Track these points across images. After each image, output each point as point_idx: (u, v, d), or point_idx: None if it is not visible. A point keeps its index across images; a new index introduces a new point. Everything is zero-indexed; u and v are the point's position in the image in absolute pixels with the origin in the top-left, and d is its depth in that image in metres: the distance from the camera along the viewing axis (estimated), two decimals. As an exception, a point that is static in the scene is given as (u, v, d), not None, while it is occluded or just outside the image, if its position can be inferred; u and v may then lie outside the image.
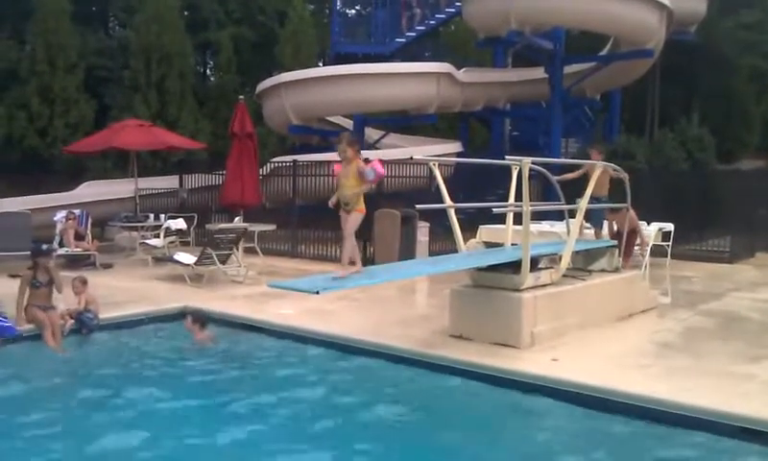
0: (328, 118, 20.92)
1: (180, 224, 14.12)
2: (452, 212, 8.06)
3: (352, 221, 6.78)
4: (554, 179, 9.08)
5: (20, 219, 12.94)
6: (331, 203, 7.01)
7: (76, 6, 20.84)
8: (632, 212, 9.72)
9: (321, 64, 24.63)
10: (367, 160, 6.80)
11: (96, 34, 24.06)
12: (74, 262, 12.51)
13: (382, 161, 6.83)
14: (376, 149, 19.45)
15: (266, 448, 5.30)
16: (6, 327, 7.53)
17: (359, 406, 6.12)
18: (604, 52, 20.67)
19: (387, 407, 6.17)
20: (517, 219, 8.02)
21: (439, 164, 8.28)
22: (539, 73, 20.02)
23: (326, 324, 8.27)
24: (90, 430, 5.57)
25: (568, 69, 19.71)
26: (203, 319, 8.07)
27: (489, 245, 9.10)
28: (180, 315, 8.66)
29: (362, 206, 6.79)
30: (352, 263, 6.87)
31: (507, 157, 8.10)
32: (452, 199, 8.18)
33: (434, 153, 16.33)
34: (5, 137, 19.27)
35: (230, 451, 5.28)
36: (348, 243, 6.81)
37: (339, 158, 6.84)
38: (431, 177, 14.60)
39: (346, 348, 7.59)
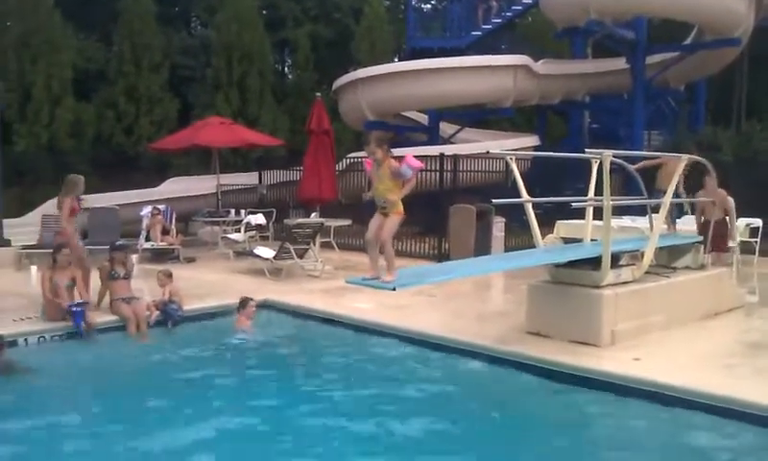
0: (404, 113, 20.96)
1: (259, 219, 14.45)
2: (529, 207, 7.95)
3: (390, 225, 6.34)
4: (635, 171, 8.84)
5: (109, 214, 13.55)
6: (367, 196, 6.63)
7: (160, 7, 21.59)
8: (723, 194, 9.36)
9: (396, 60, 24.64)
10: (398, 159, 6.34)
11: (179, 33, 24.85)
12: (159, 256, 13.00)
13: (414, 156, 6.37)
14: (451, 143, 19.37)
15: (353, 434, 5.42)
16: (76, 313, 7.86)
17: (435, 401, 6.14)
18: (688, 41, 19.91)
19: (462, 403, 6.17)
20: (597, 214, 7.85)
21: (516, 158, 8.18)
22: (620, 64, 19.46)
23: (403, 319, 8.32)
24: (183, 415, 5.84)
25: (651, 59, 19.07)
26: (243, 304, 8.45)
27: (567, 241, 8.97)
28: (261, 306, 8.93)
29: (400, 208, 6.38)
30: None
31: (587, 150, 7.94)
32: (529, 194, 8.07)
33: (510, 147, 16.12)
34: (95, 136, 20.16)
35: (318, 441, 5.38)
36: (388, 248, 6.39)
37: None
38: (507, 171, 14.53)
39: (422, 343, 7.63)
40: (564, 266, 7.53)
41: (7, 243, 12.61)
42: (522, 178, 8.01)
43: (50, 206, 14.97)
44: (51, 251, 8.57)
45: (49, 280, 8.07)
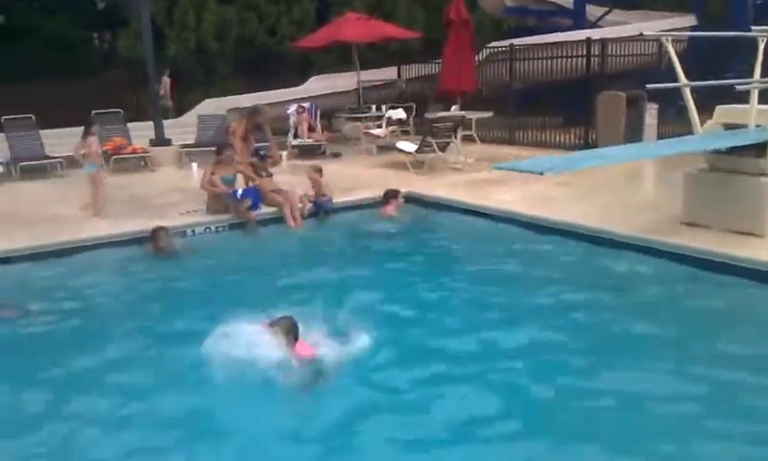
0: (546, -4, 19.97)
1: (400, 114, 14.53)
2: (687, 91, 7.46)
3: None
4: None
5: (259, 113, 14.08)
6: None
7: None
8: None
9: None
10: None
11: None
12: (306, 152, 13.47)
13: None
14: (599, 27, 18.29)
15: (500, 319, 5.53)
16: (249, 192, 8.54)
17: (589, 295, 6.07)
18: None
19: (612, 296, 6.07)
20: (763, 98, 7.25)
21: (672, 40, 7.63)
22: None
23: (548, 210, 8.19)
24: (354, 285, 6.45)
25: None
26: (387, 195, 8.84)
27: (728, 127, 8.35)
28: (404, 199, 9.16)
29: None
30: None
31: (753, 27, 7.27)
32: (686, 77, 7.55)
33: (664, 28, 15.04)
34: (238, 38, 20.79)
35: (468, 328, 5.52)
36: None
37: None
38: (660, 54, 13.62)
39: (568, 233, 7.51)
40: (725, 153, 7.09)
41: (168, 142, 13.49)
42: (678, 60, 7.50)
43: (204, 107, 15.85)
44: (209, 149, 9.13)
45: (211, 175, 8.66)
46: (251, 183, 9.01)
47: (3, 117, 12.47)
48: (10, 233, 7.89)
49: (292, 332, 4.60)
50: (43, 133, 12.63)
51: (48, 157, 12.19)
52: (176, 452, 3.89)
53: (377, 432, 4.02)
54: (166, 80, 18.29)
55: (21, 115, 12.51)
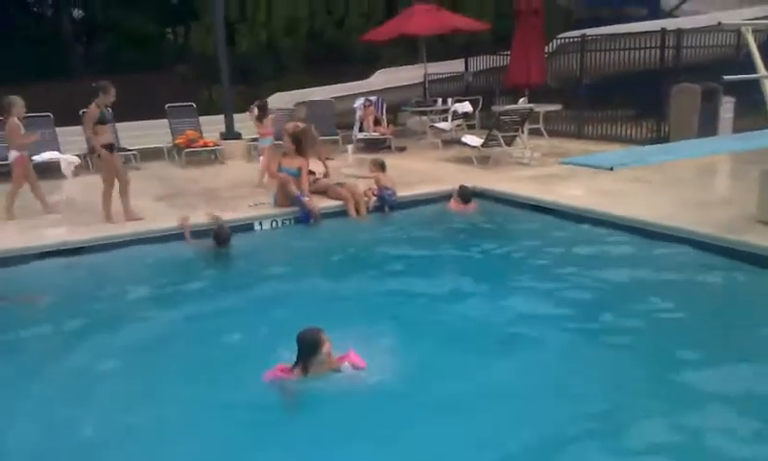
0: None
1: (466, 107, 14.45)
2: (766, 83, 7.17)
3: None
4: None
5: (327, 107, 14.28)
6: None
7: None
8: None
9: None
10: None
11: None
12: (372, 145, 13.56)
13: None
14: (674, 17, 17.72)
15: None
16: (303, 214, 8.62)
17: (658, 292, 5.93)
18: None
19: (681, 294, 5.92)
20: None
21: (752, 29, 7.35)
22: None
23: (617, 206, 8.01)
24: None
25: None
26: (467, 194, 8.89)
27: (810, 121, 7.98)
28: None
29: None
30: None
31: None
32: (766, 68, 7.25)
33: (744, 17, 14.45)
34: (308, 33, 21.03)
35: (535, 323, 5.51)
36: None
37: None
38: (738, 45, 13.11)
39: (639, 231, 7.34)
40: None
41: (238, 136, 13.79)
42: (759, 51, 7.21)
43: (273, 101, 16.10)
44: (278, 142, 9.31)
45: (278, 165, 8.89)
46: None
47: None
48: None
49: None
50: (119, 125, 13.05)
51: (124, 150, 12.60)
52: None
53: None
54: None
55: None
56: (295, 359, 4.38)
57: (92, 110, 8.07)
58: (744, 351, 4.82)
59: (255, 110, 11.19)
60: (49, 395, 4.52)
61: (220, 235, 7.57)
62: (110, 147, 8.33)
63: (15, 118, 8.67)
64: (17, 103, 8.69)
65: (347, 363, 4.47)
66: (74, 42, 24.85)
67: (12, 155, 8.79)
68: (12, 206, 8.85)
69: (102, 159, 8.30)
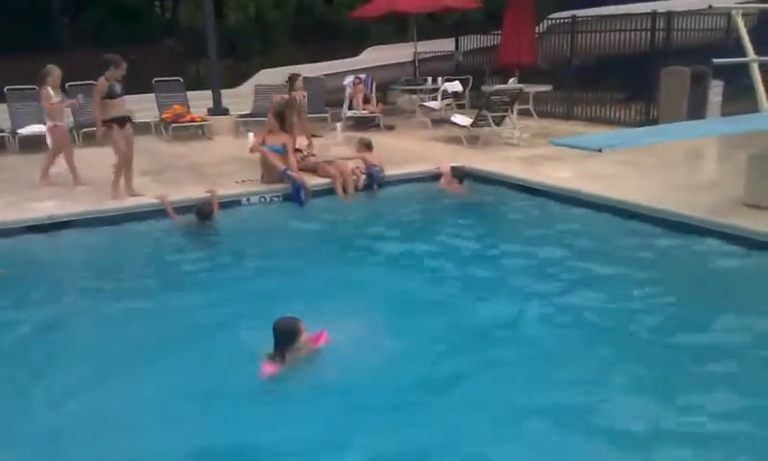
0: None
1: (455, 86, 14.38)
2: (755, 67, 7.19)
3: None
4: None
5: (316, 84, 14.16)
6: None
7: None
8: None
9: None
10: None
11: None
12: (361, 123, 13.48)
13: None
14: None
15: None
16: (297, 188, 8.51)
17: (645, 275, 5.94)
18: None
19: (667, 276, 5.94)
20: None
21: (742, 13, 7.35)
22: None
23: (605, 187, 8.02)
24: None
25: None
26: (460, 174, 8.88)
27: (798, 105, 8.01)
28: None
29: None
30: None
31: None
32: (756, 53, 7.27)
33: (736, 1, 14.42)
34: (297, 7, 20.81)
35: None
36: None
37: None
38: (729, 29, 13.10)
39: (625, 212, 7.36)
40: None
41: (225, 112, 13.66)
42: (749, 35, 7.22)
43: (262, 77, 15.95)
44: (265, 119, 9.24)
45: (262, 142, 8.90)
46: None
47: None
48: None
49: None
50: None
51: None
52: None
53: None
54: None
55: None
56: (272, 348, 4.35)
57: (101, 84, 7.94)
58: (728, 332, 4.84)
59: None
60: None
61: (202, 210, 7.57)
62: (122, 120, 8.19)
63: (49, 87, 8.82)
64: (53, 72, 8.90)
65: (321, 343, 4.48)
66: (61, 16, 24.52)
67: (47, 124, 9.15)
68: (47, 173, 9.16)
69: (105, 136, 8.19)
